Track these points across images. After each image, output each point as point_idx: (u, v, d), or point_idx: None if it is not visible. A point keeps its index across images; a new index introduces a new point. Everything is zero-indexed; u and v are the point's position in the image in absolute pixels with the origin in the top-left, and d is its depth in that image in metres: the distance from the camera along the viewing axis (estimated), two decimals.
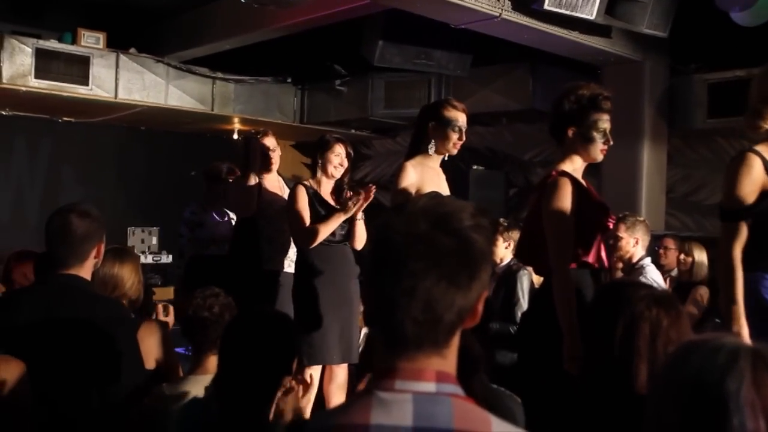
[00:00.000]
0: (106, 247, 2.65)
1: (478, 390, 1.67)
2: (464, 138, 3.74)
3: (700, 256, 5.44)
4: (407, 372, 1.21)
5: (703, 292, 5.33)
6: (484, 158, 8.73)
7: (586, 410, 1.79)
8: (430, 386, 1.20)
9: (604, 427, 1.71)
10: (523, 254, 3.45)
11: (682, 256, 5.46)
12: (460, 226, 1.22)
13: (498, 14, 5.45)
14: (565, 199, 3.04)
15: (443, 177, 3.94)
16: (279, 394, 2.04)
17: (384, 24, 6.79)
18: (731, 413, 1.09)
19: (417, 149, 3.78)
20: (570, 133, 3.17)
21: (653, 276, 4.80)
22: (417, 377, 1.20)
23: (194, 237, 5.60)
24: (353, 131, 9.24)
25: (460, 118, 3.71)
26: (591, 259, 3.10)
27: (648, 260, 4.91)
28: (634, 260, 4.83)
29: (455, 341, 1.25)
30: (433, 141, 3.69)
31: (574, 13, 5.45)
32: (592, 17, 5.54)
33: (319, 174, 4.42)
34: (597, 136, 3.15)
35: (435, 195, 1.30)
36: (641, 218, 5.11)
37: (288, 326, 2.19)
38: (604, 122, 3.16)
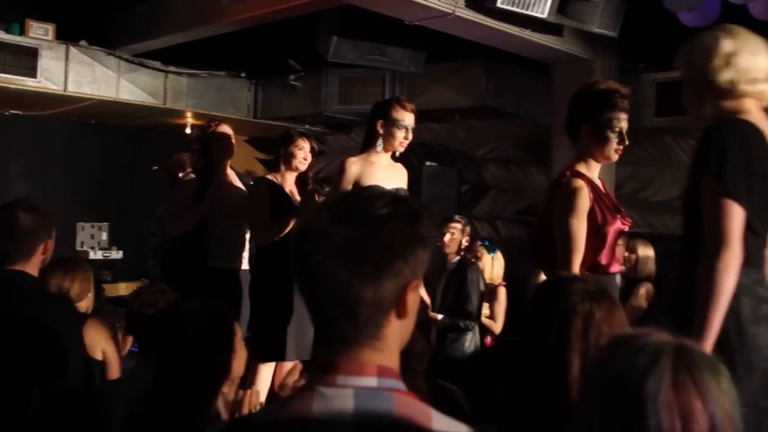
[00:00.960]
0: (56, 245, 2.61)
1: (422, 385, 1.68)
2: (411, 137, 3.85)
3: (645, 252, 5.54)
4: (348, 367, 1.20)
5: (646, 289, 5.42)
6: (437, 154, 8.78)
7: (521, 403, 1.82)
8: (371, 381, 1.20)
9: (538, 420, 1.74)
10: (534, 256, 3.29)
11: (626, 253, 5.56)
12: (365, 216, 1.19)
13: (451, 11, 5.48)
14: (578, 202, 2.94)
15: (398, 171, 4.01)
16: (224, 389, 2.03)
17: (338, 19, 6.77)
18: (648, 415, 1.08)
19: (366, 145, 3.93)
20: (584, 131, 3.07)
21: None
22: (358, 372, 1.20)
23: (168, 235, 5.49)
24: (307, 126, 9.20)
25: (407, 118, 3.84)
26: (604, 261, 3.01)
27: None
28: None
29: (390, 335, 1.23)
30: (380, 139, 3.82)
31: (526, 12, 5.51)
32: (544, 15, 5.60)
33: (282, 168, 4.44)
34: (611, 135, 3.03)
35: (362, 188, 1.30)
36: None
37: (226, 319, 2.17)
38: (620, 121, 3.04)
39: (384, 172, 3.90)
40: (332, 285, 1.18)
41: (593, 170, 3.12)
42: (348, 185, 3.80)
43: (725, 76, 2.44)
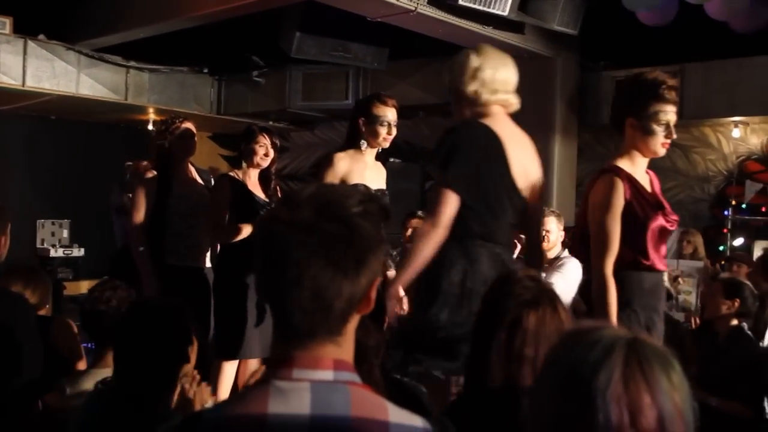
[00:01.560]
0: (15, 243, 2.57)
1: (379, 378, 1.69)
2: (393, 132, 3.84)
3: None
4: (304, 361, 1.20)
5: None
6: (400, 151, 8.78)
7: (467, 399, 1.85)
8: (327, 374, 1.20)
9: (466, 420, 1.77)
10: (575, 251, 3.24)
11: None
12: (346, 213, 1.21)
13: (414, 8, 5.49)
14: (610, 198, 2.87)
15: (379, 170, 4.00)
16: (181, 385, 2.02)
17: (301, 16, 6.75)
18: (597, 409, 1.08)
19: (349, 143, 3.89)
20: (629, 124, 2.96)
21: (573, 268, 4.70)
22: (314, 366, 1.20)
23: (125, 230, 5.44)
24: (271, 123, 9.16)
25: (389, 114, 3.81)
26: (647, 258, 2.92)
27: (567, 252, 4.72)
28: (554, 255, 4.65)
29: (350, 329, 1.25)
30: (364, 136, 3.80)
31: (487, 9, 5.54)
32: (505, 13, 5.64)
33: (244, 165, 4.41)
34: (658, 129, 2.91)
35: (334, 185, 1.30)
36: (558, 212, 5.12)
37: (181, 315, 2.15)
38: (667, 114, 2.91)
39: (370, 171, 3.90)
40: (314, 280, 1.19)
41: (638, 165, 3.02)
42: (335, 181, 3.77)
43: (471, 87, 2.88)
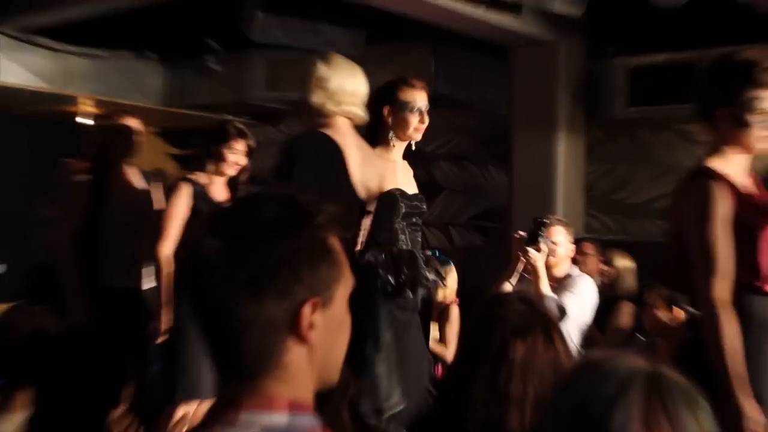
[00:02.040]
0: None
1: (346, 421, 1.67)
2: (426, 121, 3.70)
3: (624, 264, 5.51)
4: (253, 401, 1.16)
5: (629, 308, 5.30)
6: None
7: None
8: (281, 418, 1.15)
9: None
10: (669, 279, 3.04)
11: (604, 268, 5.49)
12: (244, 225, 1.18)
13: None
14: (712, 205, 2.73)
15: (408, 170, 3.87)
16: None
17: None
18: None
19: (375, 141, 3.72)
20: (720, 115, 2.84)
21: (587, 287, 4.49)
22: (266, 407, 1.16)
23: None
24: (228, 117, 9.14)
25: (419, 98, 3.69)
26: (759, 280, 2.78)
27: (577, 270, 4.65)
28: (563, 272, 4.51)
29: (294, 363, 1.19)
30: (391, 129, 3.67)
31: None
32: None
33: (209, 167, 4.35)
34: (755, 119, 2.78)
35: (254, 192, 1.29)
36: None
37: (112, 348, 2.13)
38: (764, 101, 2.77)
39: (401, 172, 3.74)
40: (209, 305, 1.17)
41: (735, 164, 2.89)
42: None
43: (316, 98, 3.35)
